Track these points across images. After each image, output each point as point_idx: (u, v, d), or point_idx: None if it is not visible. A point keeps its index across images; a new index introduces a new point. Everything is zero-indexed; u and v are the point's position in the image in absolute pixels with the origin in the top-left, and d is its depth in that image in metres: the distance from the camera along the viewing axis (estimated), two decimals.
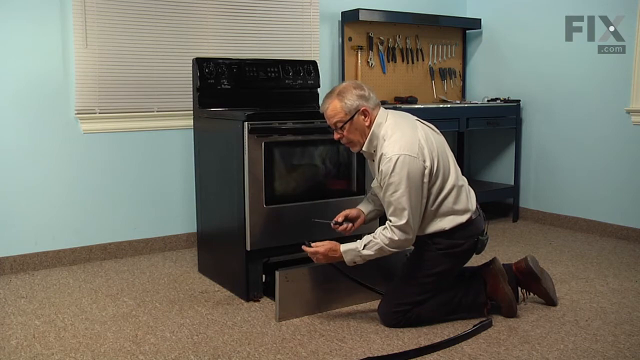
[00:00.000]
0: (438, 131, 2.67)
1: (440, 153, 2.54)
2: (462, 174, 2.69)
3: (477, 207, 2.66)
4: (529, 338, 2.50)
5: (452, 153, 2.67)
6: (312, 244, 2.59)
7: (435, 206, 2.54)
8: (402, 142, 2.46)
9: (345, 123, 2.54)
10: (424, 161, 2.46)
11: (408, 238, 2.48)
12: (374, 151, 2.56)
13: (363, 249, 2.50)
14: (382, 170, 2.47)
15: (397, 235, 2.45)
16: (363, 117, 2.53)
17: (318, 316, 2.75)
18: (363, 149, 2.59)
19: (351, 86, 2.56)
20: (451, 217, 2.55)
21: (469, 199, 2.61)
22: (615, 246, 3.94)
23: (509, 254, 3.74)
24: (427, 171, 2.46)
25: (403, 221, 2.44)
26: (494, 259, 2.76)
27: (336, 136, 2.61)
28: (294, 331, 2.59)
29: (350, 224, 2.77)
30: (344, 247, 2.55)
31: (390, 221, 2.47)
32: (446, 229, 2.55)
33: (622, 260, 3.61)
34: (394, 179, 2.42)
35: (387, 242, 2.47)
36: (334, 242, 2.58)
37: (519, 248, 3.91)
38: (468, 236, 2.59)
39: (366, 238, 2.53)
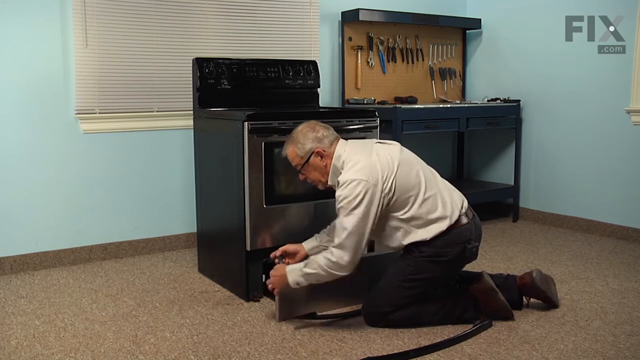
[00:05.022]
0: (405, 149, 2.69)
1: (401, 172, 2.53)
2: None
3: (465, 213, 2.62)
4: (529, 338, 2.50)
5: (425, 165, 2.67)
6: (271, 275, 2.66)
7: (406, 216, 2.54)
8: (356, 168, 2.51)
9: (303, 166, 2.65)
10: (376, 185, 2.47)
11: (344, 259, 2.46)
12: (337, 182, 2.59)
13: (305, 267, 2.54)
14: (336, 196, 2.52)
15: (334, 257, 2.47)
16: (319, 158, 2.61)
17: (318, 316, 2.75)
18: (329, 183, 2.65)
19: (305, 130, 2.65)
20: (429, 227, 2.55)
21: (445, 207, 2.57)
22: (615, 246, 3.94)
23: (509, 254, 3.74)
24: (378, 195, 2.47)
25: (341, 239, 2.46)
26: (481, 275, 2.67)
27: (301, 177, 2.71)
28: (294, 331, 2.59)
29: (288, 260, 2.79)
30: (289, 267, 2.60)
31: (334, 242, 2.50)
32: (427, 239, 2.55)
33: (622, 260, 3.61)
34: (344, 203, 2.47)
35: (325, 262, 2.49)
36: (280, 265, 2.67)
37: (519, 248, 3.91)
38: (454, 244, 2.56)
39: (310, 258, 2.58)
